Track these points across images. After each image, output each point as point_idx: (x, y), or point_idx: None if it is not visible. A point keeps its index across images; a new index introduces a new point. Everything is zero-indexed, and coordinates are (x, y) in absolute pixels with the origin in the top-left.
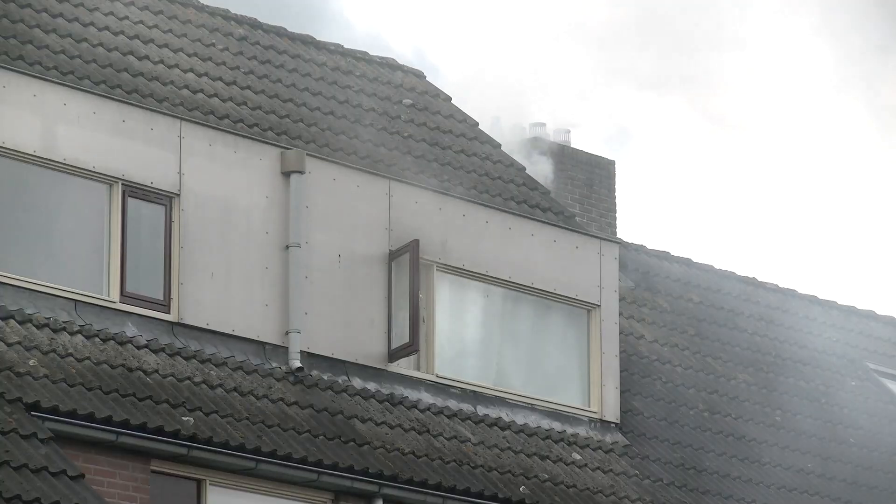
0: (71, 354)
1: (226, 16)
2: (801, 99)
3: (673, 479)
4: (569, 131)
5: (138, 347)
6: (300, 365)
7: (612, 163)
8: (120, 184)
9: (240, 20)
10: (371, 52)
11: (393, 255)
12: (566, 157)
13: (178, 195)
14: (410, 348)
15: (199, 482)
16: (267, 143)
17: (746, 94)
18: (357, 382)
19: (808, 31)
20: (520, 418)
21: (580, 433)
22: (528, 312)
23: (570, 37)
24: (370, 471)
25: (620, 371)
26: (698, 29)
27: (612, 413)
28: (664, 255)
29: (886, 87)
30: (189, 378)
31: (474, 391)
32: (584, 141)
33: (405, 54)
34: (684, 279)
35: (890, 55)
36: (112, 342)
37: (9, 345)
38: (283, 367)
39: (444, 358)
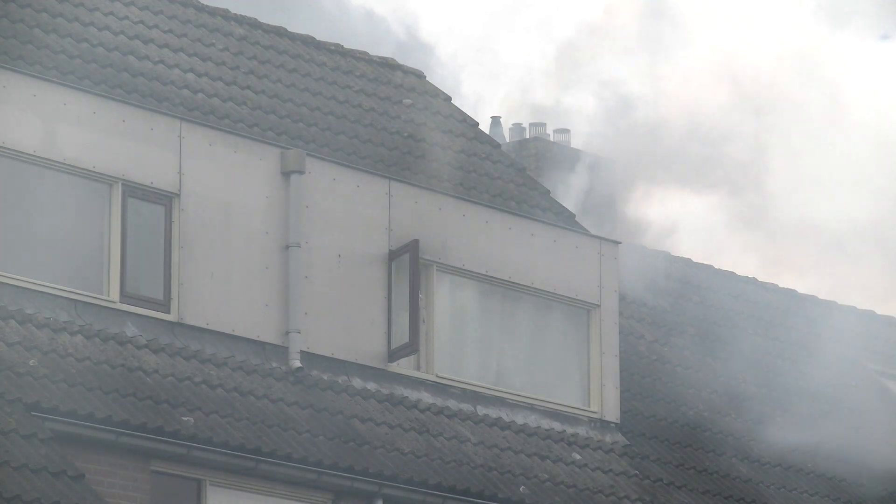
0: (71, 354)
1: (226, 16)
2: (801, 94)
3: (673, 479)
4: (568, 131)
5: (138, 347)
6: (300, 365)
7: (611, 163)
8: (120, 184)
9: (240, 20)
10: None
11: (393, 255)
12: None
13: (178, 195)
14: (410, 348)
15: (199, 482)
16: (267, 143)
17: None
18: (357, 382)
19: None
20: (520, 418)
21: (580, 433)
22: (528, 312)
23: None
24: (370, 471)
25: (620, 371)
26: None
27: (612, 413)
28: (664, 256)
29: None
30: (189, 378)
31: (474, 391)
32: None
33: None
34: (684, 279)
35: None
36: (112, 342)
37: (9, 345)
38: (283, 367)
39: (444, 358)
